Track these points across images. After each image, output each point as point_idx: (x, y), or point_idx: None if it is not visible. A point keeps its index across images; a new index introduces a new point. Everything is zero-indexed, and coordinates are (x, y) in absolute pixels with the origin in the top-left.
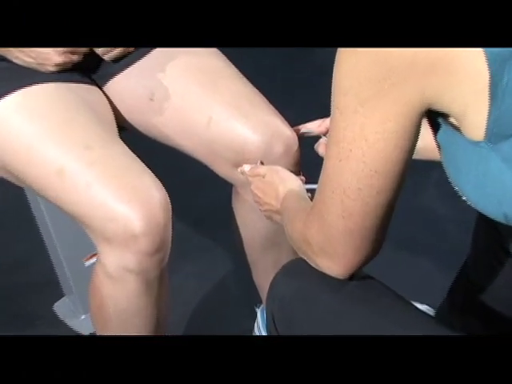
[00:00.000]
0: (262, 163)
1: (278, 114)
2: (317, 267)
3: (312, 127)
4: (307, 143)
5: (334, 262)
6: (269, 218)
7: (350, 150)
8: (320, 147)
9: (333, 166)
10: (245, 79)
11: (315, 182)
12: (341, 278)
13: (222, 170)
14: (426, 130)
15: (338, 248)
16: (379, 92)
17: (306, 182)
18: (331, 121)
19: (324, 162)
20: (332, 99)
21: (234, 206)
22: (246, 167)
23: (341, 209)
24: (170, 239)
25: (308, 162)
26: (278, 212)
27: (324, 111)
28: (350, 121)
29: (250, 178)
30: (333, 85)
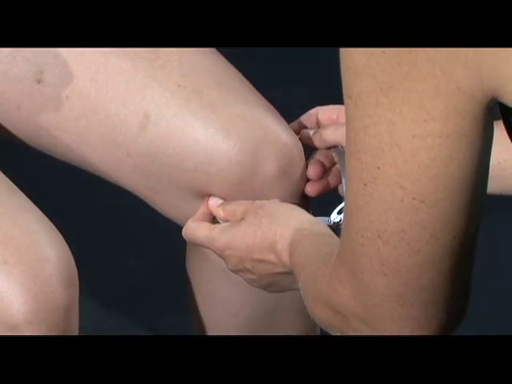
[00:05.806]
0: (249, 204)
1: (271, 107)
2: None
3: (324, 118)
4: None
5: None
6: (271, 287)
7: (378, 168)
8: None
9: (356, 191)
10: (217, 55)
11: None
12: None
13: (169, 206)
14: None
15: (388, 323)
16: (410, 72)
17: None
18: (346, 116)
19: (347, 182)
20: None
21: (189, 265)
22: (214, 201)
23: (378, 262)
24: (76, 326)
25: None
26: (285, 272)
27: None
28: (371, 119)
29: (208, 241)
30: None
